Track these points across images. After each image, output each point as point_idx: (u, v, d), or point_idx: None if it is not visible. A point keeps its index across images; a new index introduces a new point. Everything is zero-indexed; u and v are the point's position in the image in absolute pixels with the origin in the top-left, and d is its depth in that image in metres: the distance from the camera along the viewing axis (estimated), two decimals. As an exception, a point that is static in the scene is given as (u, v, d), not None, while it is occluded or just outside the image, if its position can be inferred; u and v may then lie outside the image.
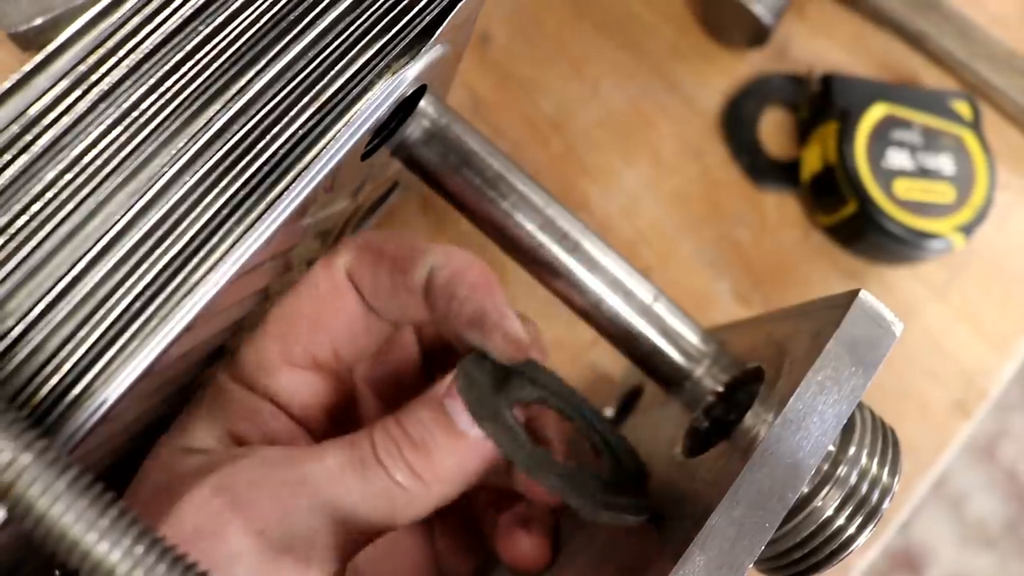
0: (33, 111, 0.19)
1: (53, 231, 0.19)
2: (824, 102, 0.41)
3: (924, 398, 0.42)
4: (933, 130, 0.41)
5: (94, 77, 0.19)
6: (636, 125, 0.42)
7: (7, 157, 0.19)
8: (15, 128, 0.19)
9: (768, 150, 0.43)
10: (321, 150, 0.21)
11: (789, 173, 0.43)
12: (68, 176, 0.19)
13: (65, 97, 0.19)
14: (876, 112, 0.40)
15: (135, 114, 0.19)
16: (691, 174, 0.42)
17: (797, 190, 0.43)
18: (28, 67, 0.19)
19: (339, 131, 0.21)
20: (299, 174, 0.21)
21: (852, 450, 0.23)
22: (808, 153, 0.42)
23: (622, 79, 0.43)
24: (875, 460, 0.23)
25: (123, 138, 0.19)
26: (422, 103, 0.27)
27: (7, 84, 0.19)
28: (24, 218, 0.19)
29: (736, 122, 0.43)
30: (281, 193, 0.20)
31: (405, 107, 0.25)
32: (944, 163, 0.40)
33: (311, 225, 0.26)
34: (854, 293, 0.23)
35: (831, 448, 0.23)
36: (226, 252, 0.20)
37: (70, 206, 0.19)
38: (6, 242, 0.19)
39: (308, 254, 0.30)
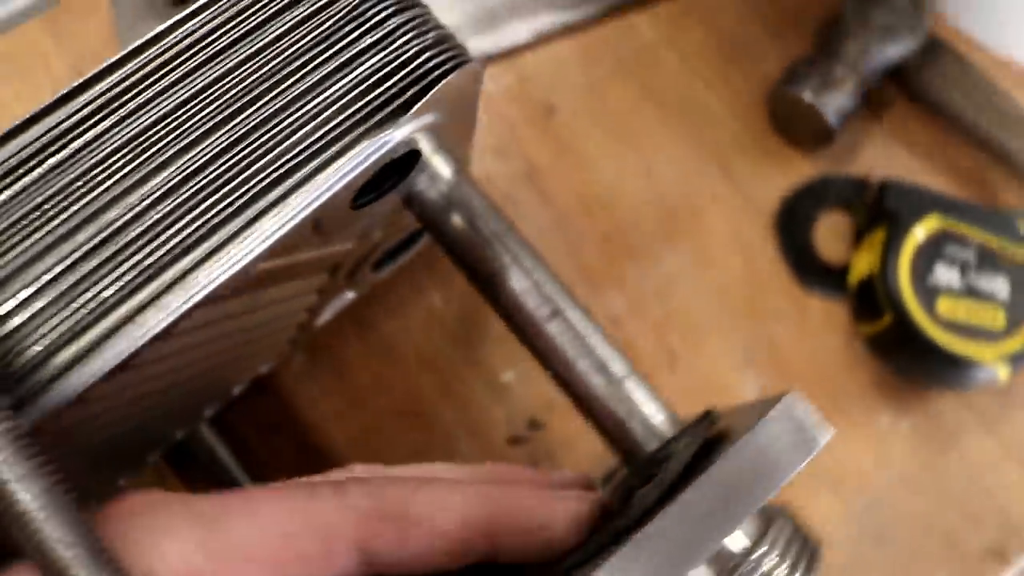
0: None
1: (61, 225, 0.24)
2: (878, 208, 0.42)
3: (956, 537, 0.41)
4: (992, 250, 0.41)
5: (115, 104, 0.24)
6: (686, 210, 0.45)
7: (32, 163, 0.24)
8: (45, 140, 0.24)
9: (821, 252, 0.45)
10: (295, 197, 0.25)
11: (839, 278, 0.44)
12: (78, 184, 0.24)
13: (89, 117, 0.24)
14: (929, 224, 0.41)
15: (138, 141, 0.24)
16: (735, 266, 0.44)
17: (845, 296, 0.44)
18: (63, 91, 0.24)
19: (313, 184, 0.25)
20: (274, 213, 0.25)
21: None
22: (858, 259, 0.43)
23: (678, 163, 0.45)
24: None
25: (122, 161, 0.24)
26: (434, 162, 0.31)
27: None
28: (36, 214, 0.24)
29: (791, 220, 0.45)
30: (249, 226, 0.24)
31: (401, 166, 0.28)
32: (999, 286, 0.40)
33: (311, 259, 0.30)
34: (781, 396, 0.25)
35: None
36: (194, 267, 0.24)
37: (74, 208, 0.24)
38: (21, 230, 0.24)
39: (317, 284, 0.34)
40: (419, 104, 0.25)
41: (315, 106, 0.25)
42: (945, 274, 0.40)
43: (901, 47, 0.45)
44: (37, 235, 0.24)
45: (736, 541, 0.25)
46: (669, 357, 0.43)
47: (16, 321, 0.23)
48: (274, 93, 0.25)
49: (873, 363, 0.43)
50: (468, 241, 0.31)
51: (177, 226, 0.24)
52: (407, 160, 0.28)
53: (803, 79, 0.43)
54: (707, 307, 0.43)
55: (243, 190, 0.25)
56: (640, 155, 0.46)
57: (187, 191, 0.25)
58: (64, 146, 0.25)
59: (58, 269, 0.23)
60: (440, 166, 0.31)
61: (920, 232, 0.41)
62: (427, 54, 0.25)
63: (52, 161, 0.25)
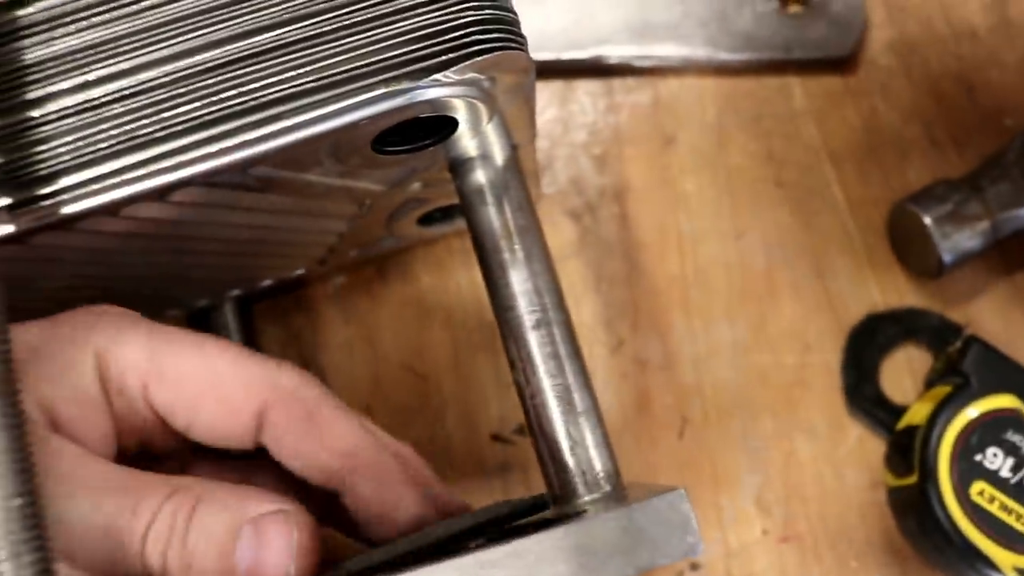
0: None
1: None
2: (955, 363, 0.39)
3: None
4: (1060, 456, 0.37)
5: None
6: (762, 289, 0.43)
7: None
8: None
9: (884, 384, 0.42)
10: (310, 114, 0.26)
11: (891, 418, 0.41)
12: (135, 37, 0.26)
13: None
14: (1000, 401, 0.38)
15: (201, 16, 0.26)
16: (786, 360, 0.42)
17: (888, 438, 0.41)
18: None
19: (327, 109, 0.26)
20: (288, 120, 0.26)
21: None
22: (917, 406, 0.40)
23: (774, 238, 0.44)
24: None
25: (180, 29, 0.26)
26: (482, 139, 0.31)
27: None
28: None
29: (866, 339, 0.42)
30: (264, 124, 0.26)
31: (436, 129, 0.29)
32: (1053, 496, 0.37)
33: (334, 186, 0.31)
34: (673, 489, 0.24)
35: None
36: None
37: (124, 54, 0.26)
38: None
39: (347, 213, 0.35)
40: (445, 72, 0.25)
41: (360, 39, 0.26)
42: (996, 459, 0.37)
43: (1061, 209, 0.41)
44: (93, 65, 0.27)
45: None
46: (680, 423, 0.42)
47: (47, 130, 0.26)
48: (332, 15, 0.26)
49: (889, 520, 0.40)
50: (491, 225, 0.32)
51: (206, 100, 0.26)
52: (442, 124, 0.29)
53: (932, 201, 0.41)
54: (739, 391, 0.42)
55: (274, 89, 0.26)
56: (739, 215, 0.44)
57: (224, 75, 0.26)
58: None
59: (99, 97, 0.26)
60: (490, 145, 0.32)
61: (987, 405, 0.38)
62: (475, 28, 0.26)
63: (128, 11, 0.27)
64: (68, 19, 0.27)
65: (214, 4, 0.27)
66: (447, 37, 0.26)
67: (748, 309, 0.43)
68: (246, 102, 0.26)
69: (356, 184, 0.32)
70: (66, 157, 0.26)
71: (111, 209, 0.27)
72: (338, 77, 0.26)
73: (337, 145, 0.27)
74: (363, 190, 0.32)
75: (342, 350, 0.43)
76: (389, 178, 0.32)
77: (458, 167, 0.32)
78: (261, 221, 0.33)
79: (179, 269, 0.36)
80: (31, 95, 0.27)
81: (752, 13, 0.46)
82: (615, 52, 0.45)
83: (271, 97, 0.26)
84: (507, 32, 0.26)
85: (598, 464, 0.30)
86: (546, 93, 0.45)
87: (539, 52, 0.44)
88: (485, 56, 0.26)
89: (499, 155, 0.32)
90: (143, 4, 0.27)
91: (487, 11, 0.26)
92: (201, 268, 0.37)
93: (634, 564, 0.23)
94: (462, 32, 0.26)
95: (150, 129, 0.26)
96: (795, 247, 0.44)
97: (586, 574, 0.23)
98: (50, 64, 0.27)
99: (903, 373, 0.42)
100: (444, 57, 0.25)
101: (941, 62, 0.47)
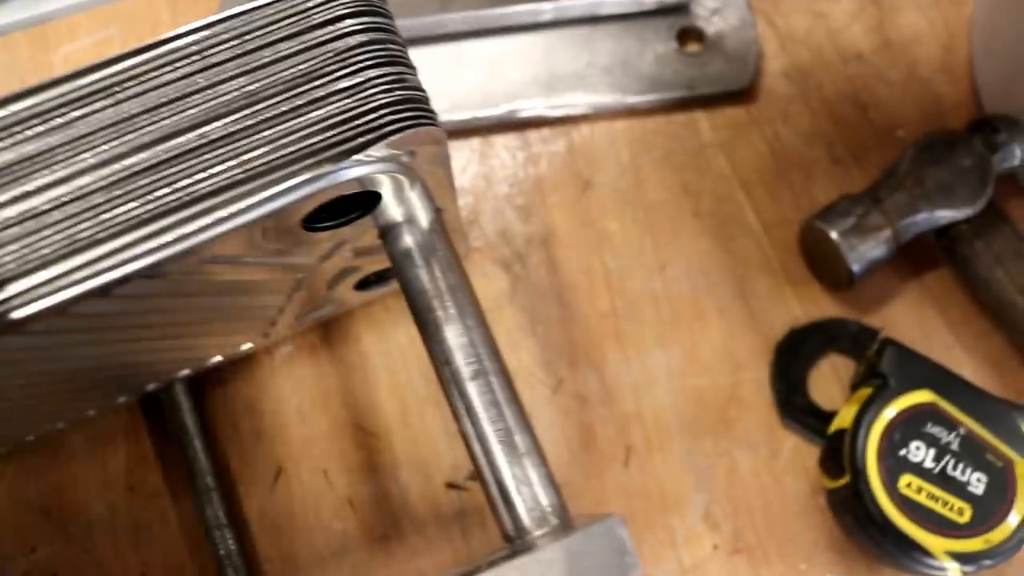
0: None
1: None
2: (874, 366, 0.42)
3: None
4: (980, 442, 0.40)
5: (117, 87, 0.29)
6: (689, 314, 0.46)
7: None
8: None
9: (813, 393, 0.45)
10: (241, 203, 0.28)
11: (822, 424, 0.44)
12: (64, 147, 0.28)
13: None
14: (918, 397, 0.41)
15: (128, 122, 0.28)
16: (719, 382, 0.45)
17: (822, 443, 0.44)
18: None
19: (257, 197, 0.28)
20: (224, 211, 0.28)
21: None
22: (845, 410, 0.43)
23: (696, 266, 0.47)
24: None
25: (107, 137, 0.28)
26: (407, 207, 0.34)
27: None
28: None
29: (791, 353, 0.46)
30: (200, 216, 0.28)
31: (363, 203, 0.32)
32: (975, 481, 0.40)
33: (270, 263, 0.33)
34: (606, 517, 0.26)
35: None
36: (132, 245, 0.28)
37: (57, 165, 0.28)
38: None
39: (286, 286, 0.37)
40: (365, 152, 0.28)
41: (281, 130, 0.29)
42: (919, 452, 0.40)
43: (954, 212, 0.45)
44: (30, 176, 0.29)
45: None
46: (625, 452, 0.44)
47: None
48: (252, 110, 0.29)
49: (829, 521, 0.43)
50: (422, 286, 0.34)
51: (139, 202, 0.29)
52: (367, 198, 0.32)
53: (837, 217, 0.44)
54: (678, 414, 0.45)
55: (205, 184, 0.29)
56: (661, 248, 0.47)
57: (155, 175, 0.29)
58: (70, 111, 0.29)
59: (39, 206, 0.28)
60: (415, 210, 0.34)
61: (905, 402, 0.41)
62: (389, 109, 0.28)
63: (59, 122, 0.29)
64: (3, 135, 0.30)
65: (140, 109, 0.29)
66: (363, 120, 0.28)
67: (679, 335, 0.46)
68: (180, 198, 0.28)
69: (291, 260, 0.34)
70: (11, 265, 0.28)
71: (59, 311, 0.29)
72: (264, 167, 0.28)
73: (269, 228, 0.30)
74: (298, 265, 0.35)
75: (294, 416, 0.45)
76: (322, 251, 0.35)
77: (387, 233, 0.35)
78: (203, 303, 0.35)
79: (128, 356, 0.38)
80: (-29, 208, 0.29)
81: (653, 55, 0.50)
82: (527, 105, 0.49)
83: (203, 191, 0.28)
84: (418, 109, 0.29)
85: (544, 500, 0.32)
86: (466, 151, 0.48)
87: (456, 112, 0.48)
88: (400, 134, 0.28)
89: (424, 219, 0.35)
90: (71, 116, 0.29)
91: (397, 93, 0.29)
92: (149, 353, 0.39)
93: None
94: (376, 115, 0.28)
95: (91, 232, 0.28)
96: (717, 272, 0.47)
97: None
98: (-12, 177, 0.29)
99: (830, 381, 0.46)
100: (362, 139, 0.28)
101: (834, 85, 0.51)
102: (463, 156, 0.48)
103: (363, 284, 0.42)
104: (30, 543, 0.43)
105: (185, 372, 0.43)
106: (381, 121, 0.28)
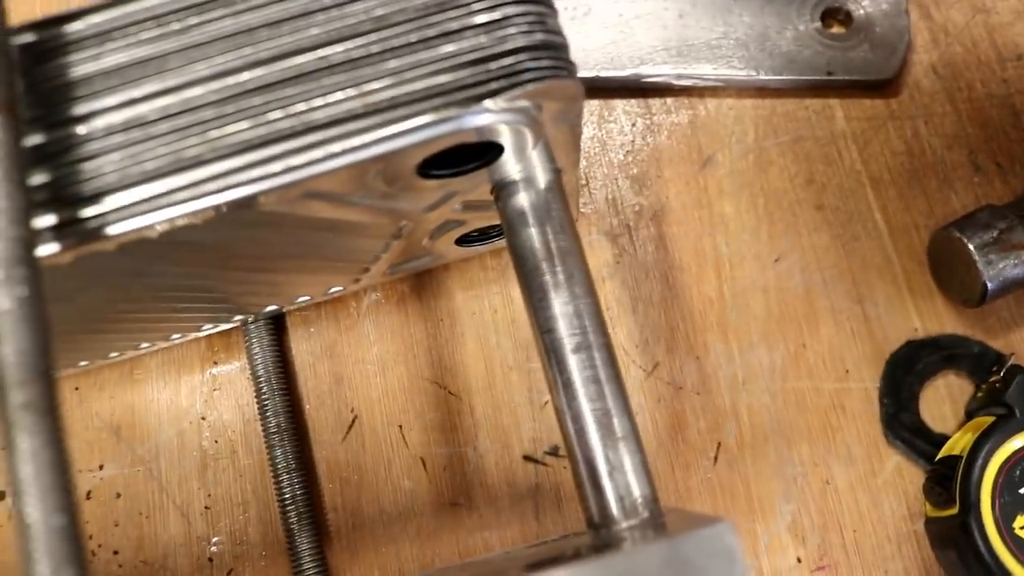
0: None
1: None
2: (999, 393, 0.39)
3: None
4: (1106, 491, 0.37)
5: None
6: (799, 313, 0.43)
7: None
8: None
9: (923, 412, 0.41)
10: (358, 139, 0.26)
11: (931, 446, 0.40)
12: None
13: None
14: (1045, 434, 0.37)
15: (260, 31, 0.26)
16: (824, 388, 0.42)
17: (927, 468, 0.40)
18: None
19: (372, 135, 0.26)
20: (339, 144, 0.26)
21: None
22: (959, 436, 0.40)
23: (811, 263, 0.43)
24: None
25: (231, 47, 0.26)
26: (526, 163, 0.31)
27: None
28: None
29: (905, 367, 0.42)
30: (316, 147, 0.26)
31: (482, 154, 0.29)
32: (1097, 532, 0.36)
33: (375, 206, 0.31)
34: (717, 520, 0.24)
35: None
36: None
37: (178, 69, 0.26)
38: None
39: (386, 232, 0.35)
40: (494, 99, 0.25)
41: (407, 63, 0.26)
42: (1040, 491, 0.37)
43: (1108, 237, 0.40)
44: (139, 82, 0.27)
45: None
46: (715, 448, 0.41)
47: (93, 148, 0.26)
48: (378, 36, 0.27)
49: (927, 551, 0.40)
50: (533, 247, 0.32)
51: (250, 122, 0.26)
52: (487, 149, 0.29)
53: (976, 228, 0.40)
54: (776, 416, 0.42)
55: (321, 112, 0.26)
56: (777, 239, 0.44)
57: (270, 95, 0.27)
58: (188, 16, 0.27)
59: (146, 115, 0.26)
60: (534, 169, 0.32)
61: (1031, 436, 0.37)
62: (525, 54, 0.26)
63: (175, 27, 0.27)
64: (117, 35, 0.28)
65: (260, 23, 0.27)
66: (497, 64, 0.26)
67: (786, 333, 0.43)
68: (292, 125, 0.26)
69: (397, 206, 0.32)
70: (112, 177, 0.27)
71: (155, 230, 0.27)
72: (386, 103, 0.26)
73: (381, 170, 0.28)
74: (403, 211, 0.33)
75: (375, 366, 0.43)
76: (430, 200, 0.32)
77: (501, 190, 0.32)
78: (299, 240, 0.33)
79: (217, 287, 0.36)
80: (78, 110, 0.27)
81: (793, 33, 0.46)
82: (654, 71, 0.45)
83: (317, 121, 0.26)
84: (557, 59, 0.26)
85: (636, 490, 0.30)
86: (584, 112, 0.45)
87: (579, 69, 0.44)
88: (536, 84, 0.26)
89: (542, 179, 0.32)
90: (189, 23, 0.28)
91: (538, 35, 0.26)
92: (239, 285, 0.37)
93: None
94: (513, 59, 0.26)
95: (197, 150, 0.26)
96: (834, 271, 0.43)
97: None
98: (97, 79, 0.27)
99: (943, 401, 0.42)
100: (494, 84, 0.25)
101: (986, 86, 0.46)
102: (580, 118, 0.45)
103: (464, 239, 0.39)
104: (98, 460, 0.42)
105: (271, 308, 0.42)
106: (517, 67, 0.26)
